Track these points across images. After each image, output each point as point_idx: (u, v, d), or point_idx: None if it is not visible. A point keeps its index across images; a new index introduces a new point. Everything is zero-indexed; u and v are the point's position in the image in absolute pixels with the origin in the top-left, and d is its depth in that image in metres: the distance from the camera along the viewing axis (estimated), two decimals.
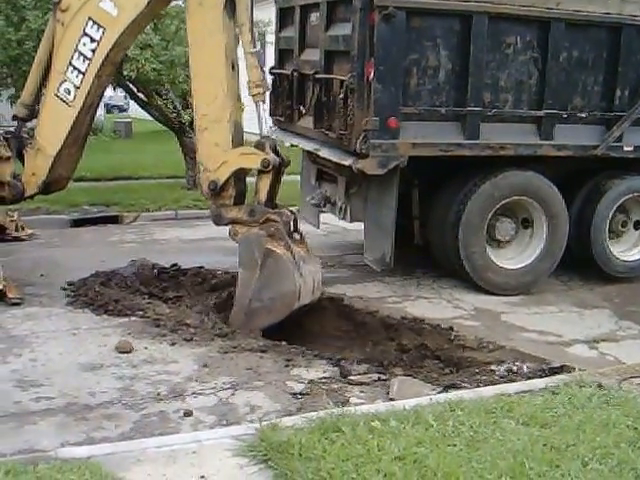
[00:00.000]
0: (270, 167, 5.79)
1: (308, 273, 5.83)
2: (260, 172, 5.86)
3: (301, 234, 6.02)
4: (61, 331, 5.72)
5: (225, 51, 5.94)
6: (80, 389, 4.69)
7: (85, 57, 6.42)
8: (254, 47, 5.94)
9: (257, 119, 6.00)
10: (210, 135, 6.02)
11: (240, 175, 6.08)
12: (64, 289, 6.66)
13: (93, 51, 6.38)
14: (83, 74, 6.45)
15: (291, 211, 5.98)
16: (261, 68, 5.96)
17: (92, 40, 6.37)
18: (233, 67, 6.07)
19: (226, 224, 6.02)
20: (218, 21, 5.92)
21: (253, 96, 5.96)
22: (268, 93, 8.39)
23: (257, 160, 5.82)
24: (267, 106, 6.03)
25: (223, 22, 5.93)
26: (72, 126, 6.62)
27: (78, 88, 6.49)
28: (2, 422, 4.23)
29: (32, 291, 6.58)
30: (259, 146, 5.90)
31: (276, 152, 5.92)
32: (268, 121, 8.67)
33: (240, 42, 6.04)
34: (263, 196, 5.89)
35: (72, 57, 6.45)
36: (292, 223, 5.88)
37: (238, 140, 6.08)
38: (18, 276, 6.81)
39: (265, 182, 5.87)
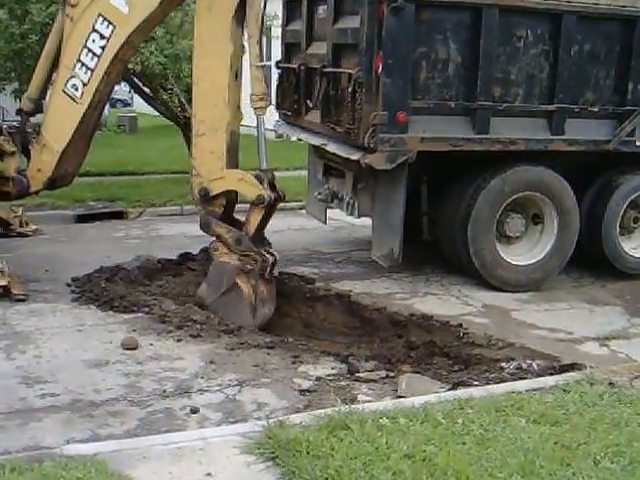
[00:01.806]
0: (264, 204, 5.86)
1: (260, 315, 5.96)
2: (253, 204, 5.91)
3: (272, 276, 6.07)
4: (66, 327, 5.70)
5: (230, 60, 5.93)
6: (85, 386, 4.67)
7: (94, 54, 6.37)
8: (261, 60, 5.94)
9: (257, 134, 6.02)
10: (206, 142, 6.06)
11: None
12: (69, 285, 6.63)
13: (102, 48, 6.33)
14: (92, 71, 6.40)
15: (272, 254, 6.05)
16: (265, 82, 5.98)
17: (101, 37, 6.31)
18: (236, 76, 6.07)
19: (211, 235, 6.11)
20: (226, 29, 5.89)
21: (255, 109, 6.00)
22: (274, 87, 8.40)
23: (253, 192, 5.88)
24: (265, 127, 6.11)
25: (231, 30, 5.90)
26: (79, 123, 6.58)
27: (86, 85, 6.45)
28: (7, 419, 4.21)
29: (37, 287, 6.56)
30: (258, 178, 5.92)
31: (273, 187, 5.97)
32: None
33: (247, 53, 6.03)
34: (252, 228, 5.97)
35: (80, 53, 6.40)
36: (269, 266, 5.95)
37: (234, 149, 6.16)
38: (23, 272, 6.79)
39: (256, 216, 5.94)
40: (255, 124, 6.09)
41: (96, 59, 6.37)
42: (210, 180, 6.03)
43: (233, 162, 6.21)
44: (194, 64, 6.17)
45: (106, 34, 6.30)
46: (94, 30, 6.31)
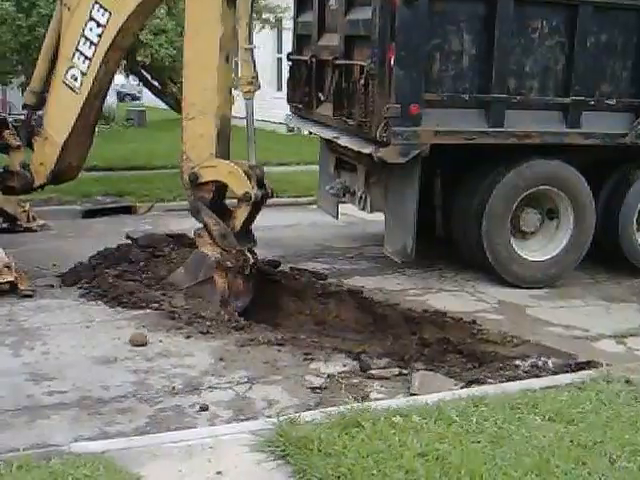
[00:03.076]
0: (251, 201, 5.84)
1: (231, 308, 5.96)
2: (240, 200, 5.90)
3: (251, 273, 6.04)
4: (74, 323, 5.66)
5: (220, 42, 5.85)
6: (93, 383, 4.64)
7: (91, 43, 6.35)
8: (250, 43, 5.87)
9: (246, 122, 5.95)
10: (196, 125, 6.01)
11: None
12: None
13: (99, 36, 6.31)
14: (89, 60, 6.38)
15: (254, 252, 6.05)
16: (254, 65, 5.91)
17: (98, 25, 6.29)
18: (227, 59, 6.00)
19: (199, 222, 6.09)
20: (217, 10, 5.83)
21: (244, 93, 5.93)
22: (286, 80, 8.33)
23: (241, 189, 5.86)
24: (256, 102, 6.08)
25: (222, 11, 5.82)
26: (79, 113, 6.55)
27: (85, 75, 6.41)
28: (14, 416, 4.18)
29: (44, 283, 6.53)
30: (247, 174, 5.88)
31: (262, 184, 5.94)
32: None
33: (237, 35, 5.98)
34: (238, 225, 5.97)
35: (78, 43, 6.39)
36: (249, 266, 5.95)
37: (224, 134, 6.09)
38: (30, 267, 6.76)
39: (243, 212, 5.94)
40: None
41: (94, 47, 6.36)
42: (201, 167, 5.98)
43: (224, 147, 6.13)
44: (185, 46, 6.11)
45: (102, 21, 6.28)
46: (91, 18, 6.31)
